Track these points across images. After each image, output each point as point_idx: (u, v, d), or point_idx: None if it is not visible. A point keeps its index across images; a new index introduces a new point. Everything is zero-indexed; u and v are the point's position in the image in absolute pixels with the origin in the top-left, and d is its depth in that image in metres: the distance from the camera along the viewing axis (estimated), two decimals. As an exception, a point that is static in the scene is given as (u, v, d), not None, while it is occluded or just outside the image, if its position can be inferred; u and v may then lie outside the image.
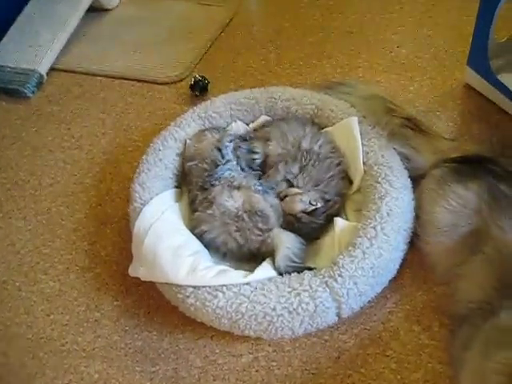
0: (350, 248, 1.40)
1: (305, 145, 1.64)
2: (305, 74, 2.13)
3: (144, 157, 1.72)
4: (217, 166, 1.61)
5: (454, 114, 1.88)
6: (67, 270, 1.68)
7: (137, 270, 1.50)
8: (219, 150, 1.64)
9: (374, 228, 1.41)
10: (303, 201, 1.52)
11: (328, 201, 1.55)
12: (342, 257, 1.38)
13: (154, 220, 1.53)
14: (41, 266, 1.70)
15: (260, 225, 1.49)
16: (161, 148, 1.73)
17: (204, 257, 1.49)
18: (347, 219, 1.58)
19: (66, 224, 1.80)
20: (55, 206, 1.86)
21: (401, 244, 1.44)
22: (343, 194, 1.62)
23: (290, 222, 1.53)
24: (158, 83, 2.21)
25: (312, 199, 1.53)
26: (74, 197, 1.88)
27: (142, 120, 2.09)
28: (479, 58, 1.85)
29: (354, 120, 1.64)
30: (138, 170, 1.68)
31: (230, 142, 1.67)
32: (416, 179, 1.56)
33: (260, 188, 1.57)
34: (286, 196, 1.56)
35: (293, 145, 1.66)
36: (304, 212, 1.51)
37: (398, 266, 1.44)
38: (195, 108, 1.83)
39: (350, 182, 1.65)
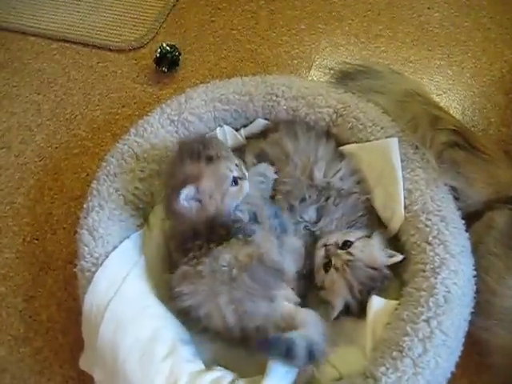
0: (395, 353, 0.99)
1: (318, 176, 1.20)
2: (308, 44, 1.64)
3: (94, 185, 1.25)
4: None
5: (507, 114, 1.45)
6: (-5, 341, 1.24)
7: (90, 367, 1.10)
8: None
9: (428, 323, 1.01)
10: (376, 247, 1.12)
11: None
12: (383, 369, 0.98)
13: (113, 293, 1.10)
14: (-43, 335, 1.27)
15: (271, 283, 1.04)
16: (117, 171, 1.24)
17: (185, 352, 1.07)
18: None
19: (-10, 268, 1.34)
20: (-25, 238, 1.39)
21: (460, 341, 1.05)
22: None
23: (370, 279, 1.10)
24: (111, 50, 1.71)
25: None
26: (2, 224, 1.43)
27: (91, 106, 1.60)
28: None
29: (394, 142, 1.21)
30: (85, 207, 1.22)
31: None
32: (466, 219, 1.17)
33: (276, 223, 1.13)
34: (345, 243, 1.11)
35: (302, 171, 1.20)
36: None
37: (453, 369, 1.04)
38: (164, 107, 1.33)
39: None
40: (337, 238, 1.12)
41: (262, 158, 1.23)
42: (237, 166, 1.12)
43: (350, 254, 1.09)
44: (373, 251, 1.10)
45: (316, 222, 1.17)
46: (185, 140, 1.20)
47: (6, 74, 1.69)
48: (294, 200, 1.18)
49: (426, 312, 1.02)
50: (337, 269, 1.09)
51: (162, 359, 1.03)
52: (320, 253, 1.11)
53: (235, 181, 1.10)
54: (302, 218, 1.17)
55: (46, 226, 1.40)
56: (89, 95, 1.61)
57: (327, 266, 1.10)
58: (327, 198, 1.18)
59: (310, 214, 1.17)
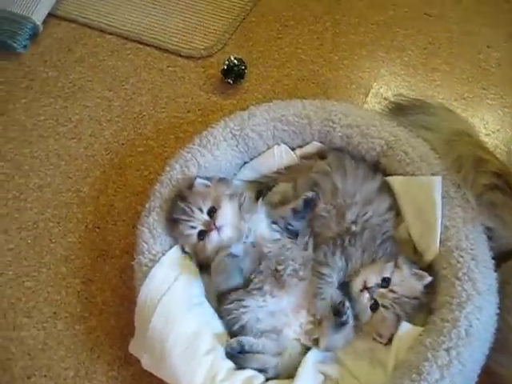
0: (414, 376, 1.08)
1: (350, 217, 1.26)
2: (368, 71, 1.70)
3: (157, 187, 1.34)
4: None
5: (553, 161, 1.47)
6: (54, 315, 1.38)
7: (139, 352, 1.21)
8: None
9: (448, 352, 1.08)
10: (409, 277, 1.18)
11: None
12: (402, 389, 1.06)
13: (166, 289, 1.20)
14: (23, 305, 1.39)
15: None
16: (180, 177, 1.34)
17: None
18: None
19: (55, 248, 1.47)
20: (43, 219, 1.52)
21: (476, 373, 1.12)
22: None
23: (413, 308, 1.18)
24: (181, 55, 1.78)
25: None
26: (67, 210, 1.53)
27: (158, 107, 1.68)
28: None
29: (438, 181, 1.26)
30: (147, 206, 1.31)
31: None
32: (496, 258, 1.22)
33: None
34: (384, 280, 1.18)
35: (339, 208, 1.28)
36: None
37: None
38: (227, 120, 1.41)
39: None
40: (374, 277, 1.17)
41: (314, 188, 1.30)
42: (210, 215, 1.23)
43: (393, 291, 1.15)
44: (410, 283, 1.16)
45: (345, 269, 1.21)
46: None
47: (81, 68, 1.78)
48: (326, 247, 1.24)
49: (447, 342, 1.08)
50: (386, 307, 1.15)
51: (205, 354, 1.13)
52: (364, 296, 1.16)
53: (201, 236, 1.22)
54: (334, 264, 1.21)
55: (108, 216, 1.49)
56: (157, 97, 1.69)
57: (374, 306, 1.16)
58: (343, 241, 1.23)
59: (337, 259, 1.21)
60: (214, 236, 1.22)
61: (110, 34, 1.86)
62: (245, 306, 1.18)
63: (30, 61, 1.82)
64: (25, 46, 1.81)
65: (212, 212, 1.23)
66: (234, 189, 1.33)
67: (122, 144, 1.62)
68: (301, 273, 1.20)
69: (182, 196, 1.26)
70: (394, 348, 1.16)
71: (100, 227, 1.48)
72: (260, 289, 1.19)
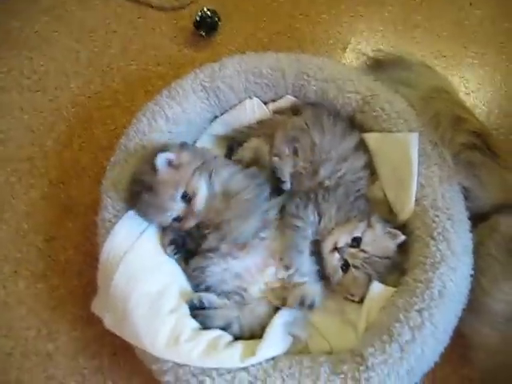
0: (385, 337, 1.05)
1: (323, 173, 1.22)
2: (346, 26, 1.63)
3: (122, 140, 1.27)
4: None
5: (533, 121, 1.45)
6: (15, 273, 1.34)
7: (102, 311, 1.17)
8: None
9: (420, 313, 1.06)
10: (382, 236, 1.16)
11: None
12: (372, 350, 1.04)
13: (129, 246, 1.16)
14: (-18, 263, 1.34)
15: None
16: (146, 130, 1.28)
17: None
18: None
19: (16, 204, 1.42)
20: (4, 174, 1.47)
21: (448, 335, 1.10)
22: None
23: (385, 267, 1.16)
24: (152, 6, 1.69)
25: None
26: (30, 164, 1.47)
27: (127, 59, 1.62)
28: None
29: (414, 138, 1.21)
30: (112, 160, 1.26)
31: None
32: (472, 219, 1.18)
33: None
34: (354, 240, 1.16)
35: (314, 164, 1.24)
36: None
37: (437, 359, 1.09)
38: (198, 72, 1.34)
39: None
40: (344, 237, 1.14)
41: (293, 144, 1.26)
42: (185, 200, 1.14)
43: (363, 251, 1.13)
44: (382, 242, 1.14)
45: (318, 223, 1.18)
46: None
47: (48, 18, 1.68)
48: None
49: (419, 303, 1.07)
50: (356, 267, 1.13)
51: (168, 313, 1.10)
52: (334, 256, 1.14)
53: (177, 219, 1.15)
54: (306, 218, 1.18)
55: (72, 171, 1.44)
56: (126, 49, 1.62)
57: (345, 266, 1.14)
58: (316, 196, 1.20)
59: (310, 212, 1.18)
60: (191, 220, 1.15)
61: (79, -18, 1.76)
62: (209, 271, 1.16)
63: (-8, 10, 1.72)
64: (-14, -6, 1.71)
65: (186, 197, 1.14)
66: (200, 156, 1.21)
67: (89, 97, 1.55)
68: (262, 234, 1.17)
69: (147, 186, 1.13)
70: (366, 309, 1.15)
71: (64, 182, 1.44)
72: (217, 249, 1.15)
